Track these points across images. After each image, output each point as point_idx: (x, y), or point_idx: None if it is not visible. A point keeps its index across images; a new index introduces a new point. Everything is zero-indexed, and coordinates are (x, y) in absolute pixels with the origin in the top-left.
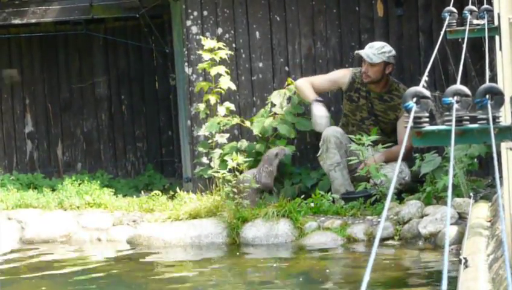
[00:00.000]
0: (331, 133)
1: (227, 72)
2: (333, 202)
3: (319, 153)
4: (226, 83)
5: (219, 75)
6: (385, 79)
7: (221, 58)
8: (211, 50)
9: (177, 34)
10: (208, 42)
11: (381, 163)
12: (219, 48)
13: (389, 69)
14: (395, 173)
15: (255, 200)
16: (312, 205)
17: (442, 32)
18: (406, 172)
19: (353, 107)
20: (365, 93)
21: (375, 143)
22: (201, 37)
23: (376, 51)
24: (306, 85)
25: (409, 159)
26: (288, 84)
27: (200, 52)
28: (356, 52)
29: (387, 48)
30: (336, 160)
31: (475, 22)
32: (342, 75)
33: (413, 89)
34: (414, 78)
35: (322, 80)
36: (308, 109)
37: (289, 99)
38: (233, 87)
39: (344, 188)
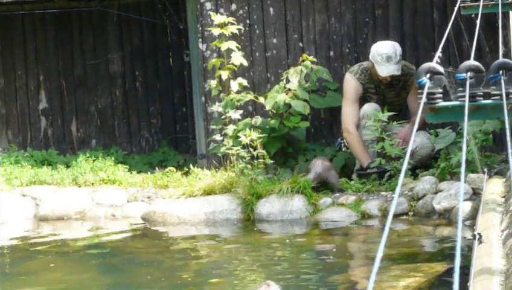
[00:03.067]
0: (372, 110)
1: (238, 48)
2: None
3: None
4: (238, 58)
5: (231, 50)
6: None
7: (232, 33)
8: (221, 25)
9: (191, 10)
10: (218, 17)
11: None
12: (229, 23)
13: None
14: (408, 149)
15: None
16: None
17: (456, 8)
18: (432, 140)
19: None
20: (374, 88)
21: (389, 120)
22: (212, 13)
23: (397, 61)
24: (356, 141)
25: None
26: (303, 60)
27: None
28: (386, 75)
29: (398, 50)
30: (372, 138)
31: None
32: (354, 88)
33: (426, 65)
34: (428, 55)
35: (353, 110)
36: (323, 85)
37: (307, 76)
38: (245, 63)
39: (360, 166)
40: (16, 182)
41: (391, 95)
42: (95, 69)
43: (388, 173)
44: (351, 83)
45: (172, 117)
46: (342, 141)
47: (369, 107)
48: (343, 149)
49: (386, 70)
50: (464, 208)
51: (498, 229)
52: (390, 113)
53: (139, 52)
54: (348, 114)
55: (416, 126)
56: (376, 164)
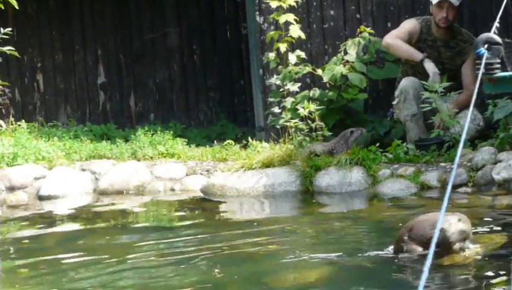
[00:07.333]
0: (410, 84)
1: (296, 20)
2: (407, 152)
3: (396, 102)
4: (296, 31)
5: (289, 23)
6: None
7: (289, 5)
8: None
9: None
10: None
11: (454, 111)
12: None
13: (460, 9)
14: (467, 119)
15: None
16: (390, 155)
17: None
18: (478, 118)
19: None
20: (431, 42)
21: (446, 90)
22: None
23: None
24: (400, 43)
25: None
26: (360, 32)
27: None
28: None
29: None
30: (413, 111)
31: None
32: (413, 26)
33: (484, 35)
34: (486, 25)
35: (402, 33)
36: (381, 56)
37: (365, 48)
38: (303, 35)
39: (419, 137)
40: (75, 157)
41: (446, 55)
42: (152, 43)
43: (447, 144)
44: (412, 21)
45: (230, 90)
46: (393, 111)
47: (408, 81)
48: (395, 118)
49: None
50: None
51: None
52: (446, 84)
53: (196, 26)
54: (397, 33)
55: (471, 104)
56: (435, 135)
